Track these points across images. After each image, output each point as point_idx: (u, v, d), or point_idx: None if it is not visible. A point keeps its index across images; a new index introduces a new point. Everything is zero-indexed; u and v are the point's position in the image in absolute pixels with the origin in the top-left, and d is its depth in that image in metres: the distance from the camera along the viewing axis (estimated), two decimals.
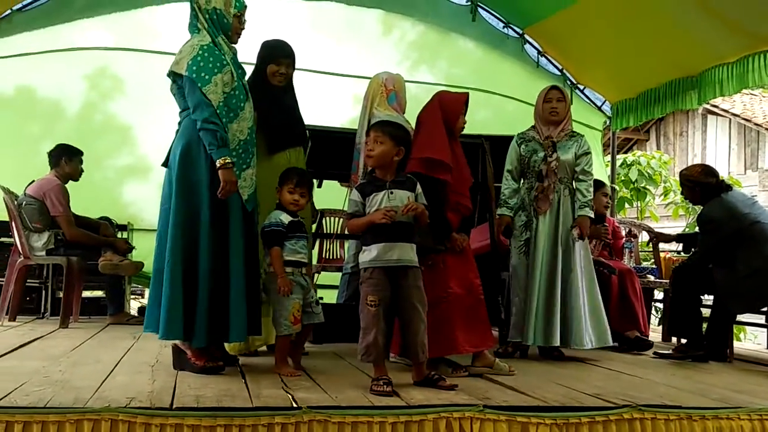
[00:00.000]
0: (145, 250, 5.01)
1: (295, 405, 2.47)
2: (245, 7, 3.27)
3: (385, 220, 2.88)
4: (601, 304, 4.04)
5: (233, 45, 3.26)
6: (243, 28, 3.28)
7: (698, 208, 4.47)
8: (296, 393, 2.68)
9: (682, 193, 4.60)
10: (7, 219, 4.94)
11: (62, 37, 5.90)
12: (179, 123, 3.20)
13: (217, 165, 2.99)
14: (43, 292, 5.30)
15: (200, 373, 3.02)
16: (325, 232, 5.43)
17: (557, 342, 3.88)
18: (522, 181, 4.12)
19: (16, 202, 4.83)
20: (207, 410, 2.36)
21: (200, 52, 3.05)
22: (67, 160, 5.04)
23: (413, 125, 3.63)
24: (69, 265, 4.78)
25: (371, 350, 2.87)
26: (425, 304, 3.00)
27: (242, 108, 3.15)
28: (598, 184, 4.94)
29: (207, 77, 3.01)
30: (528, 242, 4.00)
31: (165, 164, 3.21)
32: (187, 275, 3.01)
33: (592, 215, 4.09)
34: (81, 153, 5.11)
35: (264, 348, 3.71)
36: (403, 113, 3.91)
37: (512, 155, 4.09)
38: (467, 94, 3.63)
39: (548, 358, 3.99)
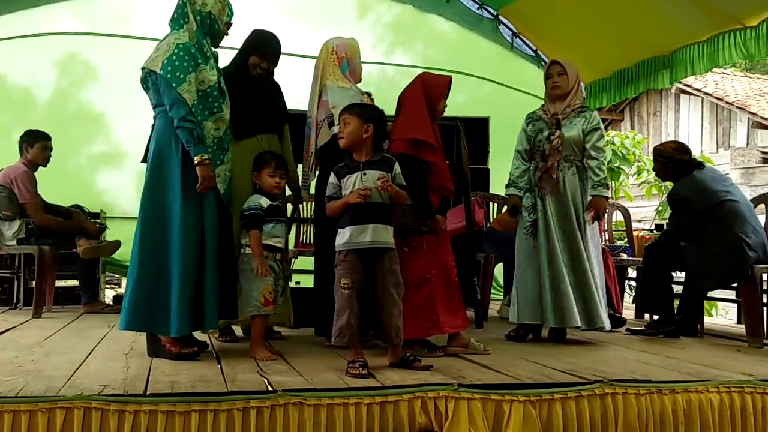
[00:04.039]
0: (119, 238, 4.98)
1: (270, 389, 2.48)
2: (233, 14, 3.30)
3: (359, 200, 2.88)
4: (604, 288, 3.97)
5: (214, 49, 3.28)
6: (227, 35, 3.33)
7: (670, 187, 4.49)
8: (272, 377, 2.69)
9: (653, 169, 4.61)
10: None
11: (29, 22, 5.78)
12: (154, 118, 3.20)
13: (195, 162, 3.02)
14: (15, 282, 5.21)
15: (175, 359, 3.02)
16: (301, 216, 5.41)
17: (577, 323, 3.76)
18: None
19: None
20: (181, 395, 2.36)
21: (176, 51, 3.06)
22: (28, 146, 4.95)
23: (368, 97, 3.64)
24: (41, 254, 4.72)
25: (344, 332, 2.87)
26: (400, 286, 3.00)
27: (219, 108, 3.17)
28: None
29: (182, 76, 3.03)
30: (535, 224, 3.90)
31: (144, 160, 3.23)
32: (157, 269, 3.05)
33: (608, 195, 3.97)
34: (45, 137, 4.99)
35: (240, 333, 3.72)
36: (359, 81, 3.78)
37: (521, 135, 4.03)
38: (450, 77, 3.59)
39: (559, 340, 3.92)
